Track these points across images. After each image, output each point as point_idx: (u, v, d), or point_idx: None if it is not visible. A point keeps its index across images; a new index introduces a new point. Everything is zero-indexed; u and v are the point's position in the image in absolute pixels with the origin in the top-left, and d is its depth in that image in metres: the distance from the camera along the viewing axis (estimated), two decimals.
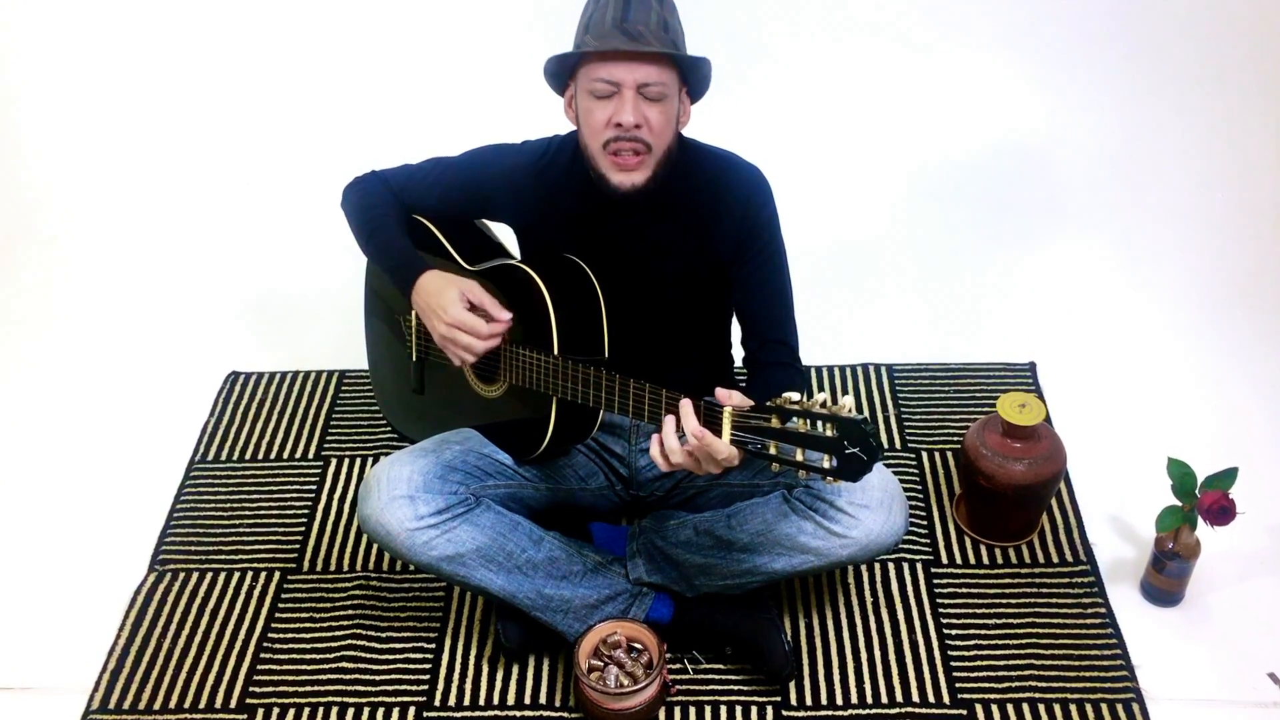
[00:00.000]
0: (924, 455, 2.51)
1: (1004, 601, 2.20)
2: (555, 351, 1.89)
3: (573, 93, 1.89)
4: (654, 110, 1.81)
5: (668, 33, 1.80)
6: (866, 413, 2.60)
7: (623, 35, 1.77)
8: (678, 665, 2.10)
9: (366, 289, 2.36)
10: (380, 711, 2.06)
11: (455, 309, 1.91)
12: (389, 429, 2.58)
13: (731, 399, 1.63)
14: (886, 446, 2.53)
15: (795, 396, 1.55)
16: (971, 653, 2.11)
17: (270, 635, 2.19)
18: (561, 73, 1.89)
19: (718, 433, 1.63)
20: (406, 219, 2.11)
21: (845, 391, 2.67)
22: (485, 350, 1.93)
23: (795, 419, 1.54)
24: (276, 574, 2.31)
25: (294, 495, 2.48)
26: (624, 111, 1.79)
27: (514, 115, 2.37)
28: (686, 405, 1.66)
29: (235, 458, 2.57)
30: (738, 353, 2.15)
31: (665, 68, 1.80)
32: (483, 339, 1.91)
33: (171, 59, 3.03)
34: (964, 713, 2.02)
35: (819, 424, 1.51)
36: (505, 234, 2.17)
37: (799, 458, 1.54)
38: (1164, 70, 2.93)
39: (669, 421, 1.68)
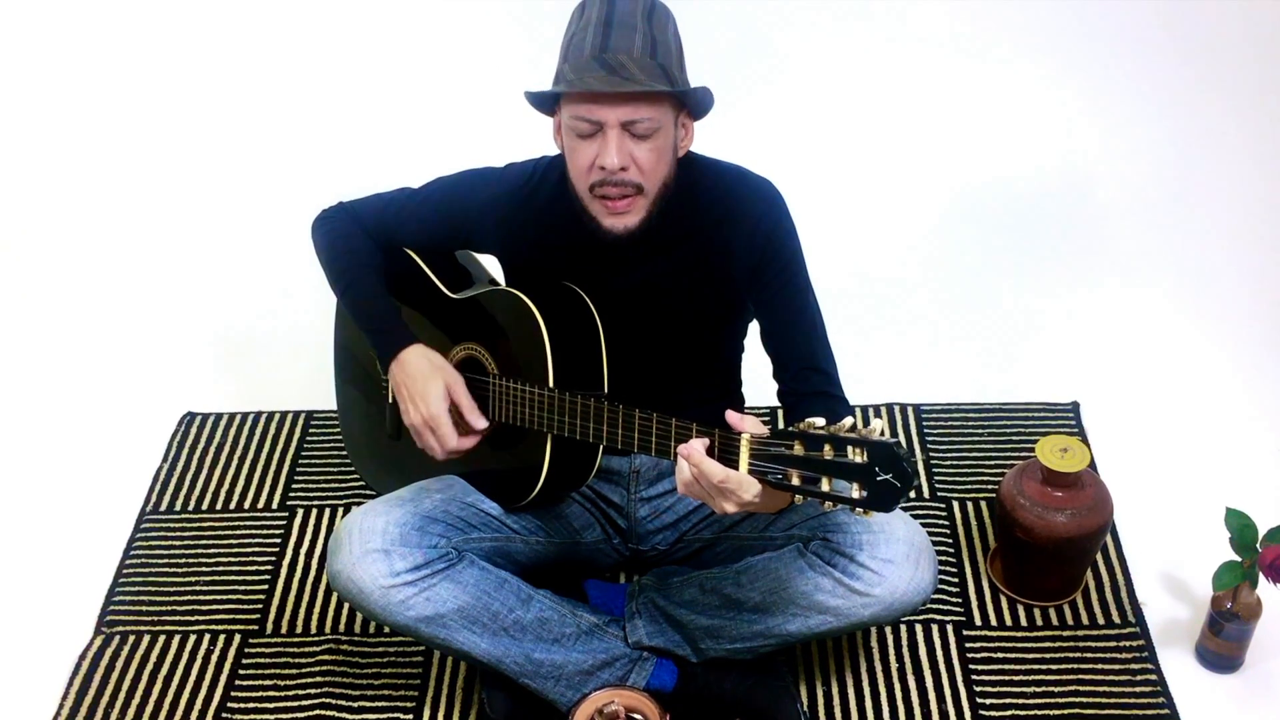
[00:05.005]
0: (955, 505, 2.53)
1: (1044, 667, 2.21)
2: (550, 384, 1.92)
3: (560, 120, 1.88)
4: (643, 148, 1.80)
5: (655, 57, 1.76)
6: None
7: (602, 68, 1.75)
8: None
9: (336, 330, 2.37)
10: None
11: (437, 405, 1.97)
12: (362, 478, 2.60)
13: (744, 424, 1.64)
14: (913, 495, 2.55)
15: (820, 421, 1.56)
16: None
17: (230, 705, 2.20)
18: (543, 102, 1.89)
19: (735, 463, 1.64)
20: (383, 257, 2.12)
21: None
22: (447, 457, 2.00)
23: (820, 445, 1.56)
24: (237, 637, 2.32)
25: (256, 549, 2.49)
26: (608, 154, 1.78)
27: (496, 132, 2.40)
28: (699, 446, 1.66)
29: (191, 507, 2.59)
30: (749, 392, 2.18)
31: (655, 100, 1.78)
32: (447, 449, 1.98)
33: (126, 82, 3.07)
34: None
35: (846, 450, 1.53)
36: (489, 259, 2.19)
37: (825, 488, 1.56)
38: (1222, 85, 2.96)
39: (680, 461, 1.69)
